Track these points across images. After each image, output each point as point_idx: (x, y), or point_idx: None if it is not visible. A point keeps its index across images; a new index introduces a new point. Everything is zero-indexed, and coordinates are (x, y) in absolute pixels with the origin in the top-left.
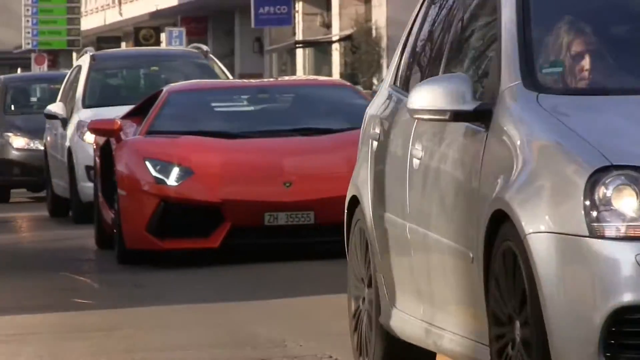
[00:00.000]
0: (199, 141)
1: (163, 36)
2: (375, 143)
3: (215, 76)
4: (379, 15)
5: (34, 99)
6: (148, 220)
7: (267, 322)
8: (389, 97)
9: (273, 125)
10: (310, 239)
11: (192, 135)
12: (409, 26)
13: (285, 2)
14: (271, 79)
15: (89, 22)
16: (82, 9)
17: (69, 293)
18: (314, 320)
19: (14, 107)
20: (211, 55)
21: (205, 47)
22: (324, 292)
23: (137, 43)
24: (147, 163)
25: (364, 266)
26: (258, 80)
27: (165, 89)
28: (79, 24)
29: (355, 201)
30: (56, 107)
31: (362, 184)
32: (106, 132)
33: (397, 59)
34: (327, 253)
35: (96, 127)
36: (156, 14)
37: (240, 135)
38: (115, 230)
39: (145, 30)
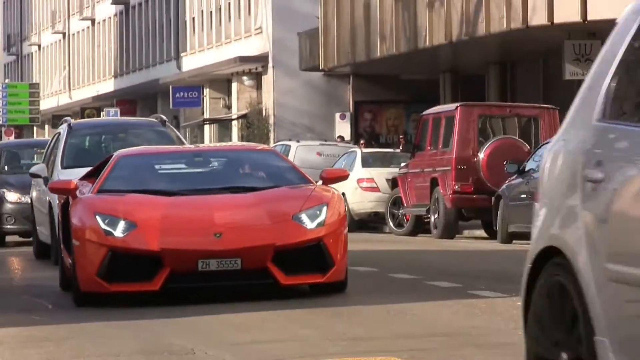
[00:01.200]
0: (142, 198)
1: (102, 114)
2: (589, 185)
3: (172, 141)
4: (268, 99)
5: (23, 161)
6: (98, 267)
7: (181, 335)
8: (604, 133)
9: (207, 185)
10: (238, 282)
11: (137, 193)
12: (611, 58)
13: (196, 89)
14: (206, 145)
15: (46, 104)
16: (41, 94)
17: (28, 312)
18: (217, 333)
19: (7, 167)
20: (168, 124)
21: (163, 117)
22: (226, 312)
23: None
24: (98, 217)
25: (562, 327)
26: (194, 146)
27: (115, 153)
28: (38, 105)
29: (547, 254)
30: (39, 168)
31: (567, 234)
32: (64, 190)
33: (602, 92)
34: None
35: (55, 187)
36: (97, 98)
37: (178, 193)
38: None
39: (89, 109)
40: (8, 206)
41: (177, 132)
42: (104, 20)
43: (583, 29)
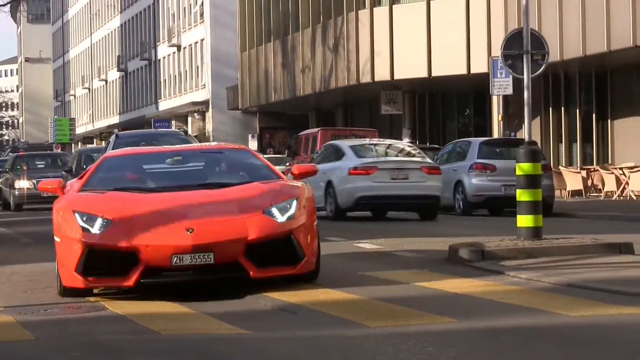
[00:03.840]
0: (119, 196)
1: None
2: None
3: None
4: (209, 127)
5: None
6: (77, 263)
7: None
8: None
9: (184, 182)
10: (212, 276)
11: (115, 191)
12: None
13: (167, 120)
14: (186, 145)
15: (79, 130)
16: (76, 124)
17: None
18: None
19: (85, 165)
20: (189, 133)
21: (185, 128)
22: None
23: (101, 139)
24: (76, 215)
25: None
26: (175, 147)
27: (102, 155)
28: (74, 131)
29: None
30: None
31: None
32: (51, 189)
33: None
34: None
35: (43, 186)
36: (109, 127)
37: (154, 190)
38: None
39: (104, 133)
40: None
41: (195, 139)
42: (113, 80)
43: (391, 84)
